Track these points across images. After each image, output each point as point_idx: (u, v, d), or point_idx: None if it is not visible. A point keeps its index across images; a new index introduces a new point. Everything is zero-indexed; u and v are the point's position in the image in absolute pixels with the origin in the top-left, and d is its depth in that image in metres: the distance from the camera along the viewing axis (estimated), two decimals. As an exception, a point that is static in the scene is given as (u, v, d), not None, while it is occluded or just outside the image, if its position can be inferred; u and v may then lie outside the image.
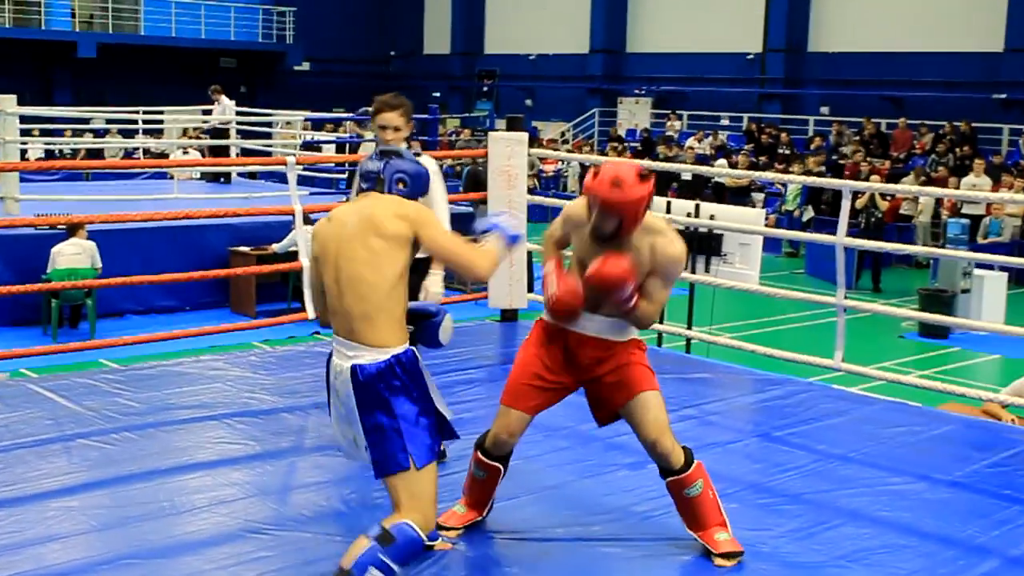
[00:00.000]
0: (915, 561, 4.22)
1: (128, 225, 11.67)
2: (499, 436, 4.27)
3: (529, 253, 8.41)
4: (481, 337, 7.86)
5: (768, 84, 27.33)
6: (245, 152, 18.52)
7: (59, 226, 11.43)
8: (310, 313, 6.42)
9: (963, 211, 17.92)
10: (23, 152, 17.19)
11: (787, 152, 22.58)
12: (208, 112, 19.52)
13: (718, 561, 4.13)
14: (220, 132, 18.88)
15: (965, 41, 23.44)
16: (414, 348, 3.70)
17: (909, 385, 7.01)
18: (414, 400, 3.64)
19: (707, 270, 8.66)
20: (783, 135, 23.62)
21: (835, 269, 6.91)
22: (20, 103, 14.31)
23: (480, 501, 4.42)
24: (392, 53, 37.03)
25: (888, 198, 17.36)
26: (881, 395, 7.26)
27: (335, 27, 34.72)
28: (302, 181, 12.77)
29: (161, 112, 21.45)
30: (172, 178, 17.66)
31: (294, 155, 11.67)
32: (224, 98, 18.69)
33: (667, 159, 21.63)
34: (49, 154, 21.18)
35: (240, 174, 18.70)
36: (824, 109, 26.06)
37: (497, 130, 9.30)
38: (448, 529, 4.33)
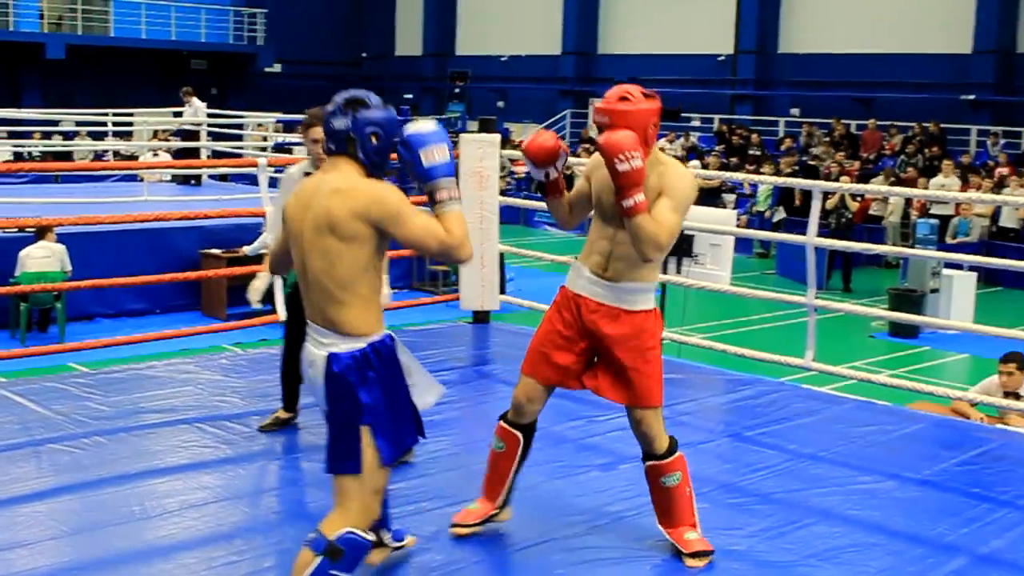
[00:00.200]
0: (885, 559, 4.25)
1: (98, 228, 11.60)
2: (517, 399, 4.27)
3: (501, 255, 8.40)
4: (453, 339, 7.86)
5: (739, 85, 27.44)
6: (216, 154, 18.45)
7: (28, 229, 11.35)
8: (281, 315, 6.39)
9: (932, 211, 18.05)
10: (-9, 154, 17.08)
11: (758, 153, 22.70)
12: (179, 114, 19.44)
13: (689, 562, 4.13)
14: (191, 134, 18.80)
15: (934, 43, 23.62)
16: (392, 334, 3.49)
17: (879, 384, 7.05)
18: (385, 394, 3.43)
19: (679, 271, 8.69)
20: (754, 136, 23.74)
21: (805, 269, 6.94)
22: (-12, 105, 14.21)
23: (495, 486, 4.34)
24: (364, 55, 36.99)
25: (858, 199, 17.47)
26: (851, 394, 7.30)
27: (306, 29, 34.65)
28: (273, 183, 12.70)
29: (131, 114, 21.35)
30: (142, 180, 17.56)
31: (265, 157, 11.63)
32: (195, 100, 18.61)
33: (639, 160, 21.61)
34: (17, 156, 21.01)
35: (211, 176, 18.63)
36: (794, 110, 26.19)
37: (469, 132, 9.29)
38: (463, 527, 4.32)
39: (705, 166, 21.87)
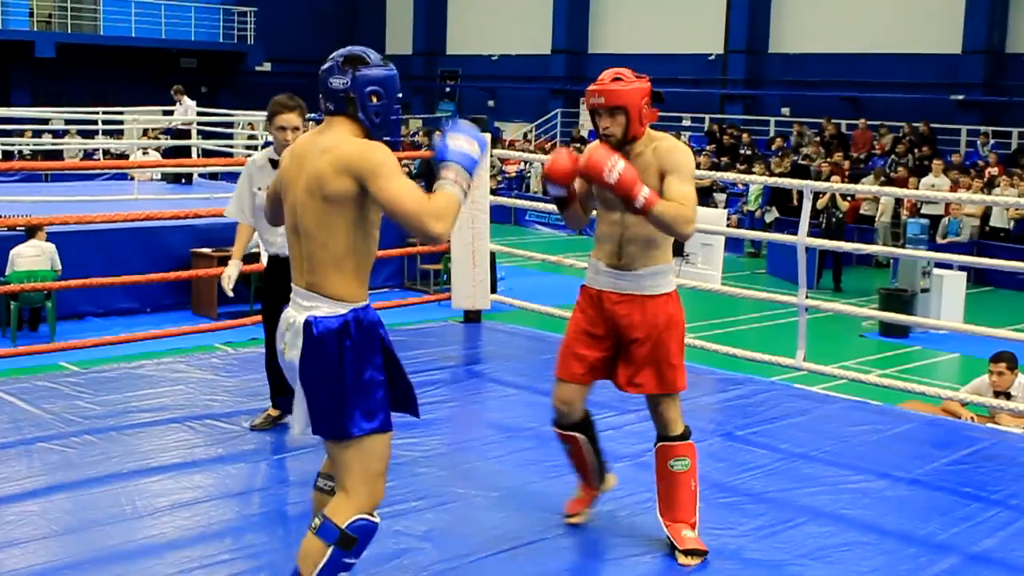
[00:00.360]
0: (876, 559, 4.26)
1: (88, 227, 11.58)
2: (557, 408, 4.32)
3: (492, 254, 8.40)
4: (444, 338, 7.86)
5: (729, 85, 27.46)
6: (206, 153, 18.42)
7: (18, 228, 11.32)
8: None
9: (922, 211, 18.09)
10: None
11: (748, 153, 22.73)
12: (170, 113, 19.40)
13: (681, 559, 4.13)
14: (181, 133, 18.77)
15: (924, 43, 23.66)
16: (376, 313, 3.37)
17: (870, 384, 7.06)
18: (368, 363, 3.29)
19: (670, 270, 8.69)
20: (744, 136, 23.77)
21: (796, 269, 6.95)
22: (-23, 104, 14.17)
23: (587, 476, 4.45)
24: (354, 53, 36.93)
25: (849, 198, 17.50)
26: (842, 394, 7.32)
27: (296, 27, 34.57)
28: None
29: (121, 112, 21.30)
30: (132, 179, 17.54)
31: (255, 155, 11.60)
32: (186, 99, 18.58)
33: (629, 160, 21.64)
34: (7, 155, 20.96)
35: (201, 175, 18.61)
36: (785, 110, 26.22)
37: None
38: (575, 516, 4.44)
39: (696, 165, 21.88)
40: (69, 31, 30.24)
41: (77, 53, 29.45)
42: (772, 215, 19.62)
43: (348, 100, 3.29)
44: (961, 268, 13.76)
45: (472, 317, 8.22)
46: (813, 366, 6.99)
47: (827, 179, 17.17)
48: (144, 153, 19.02)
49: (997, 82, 22.98)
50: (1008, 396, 7.06)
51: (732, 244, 17.95)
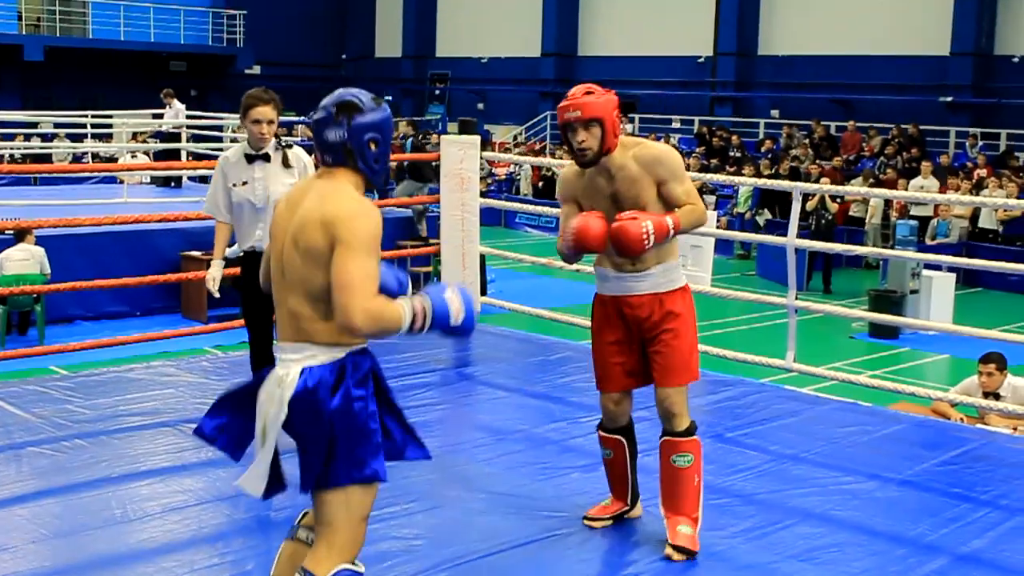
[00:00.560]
0: (866, 559, 4.26)
1: (77, 230, 11.54)
2: (607, 407, 4.38)
3: (482, 256, 8.40)
4: (434, 341, 7.82)
5: (719, 87, 27.49)
6: (195, 156, 18.39)
7: (6, 231, 11.30)
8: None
9: (912, 213, 18.12)
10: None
11: (738, 155, 22.75)
12: (159, 116, 19.36)
13: (668, 551, 4.16)
14: (171, 136, 18.73)
15: (912, 45, 23.71)
16: (374, 358, 3.21)
17: (860, 385, 7.07)
18: (363, 410, 3.12)
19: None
20: (734, 138, 23.81)
21: (786, 271, 6.96)
22: (-34, 107, 14.14)
23: (620, 487, 4.48)
24: (343, 56, 36.92)
25: (838, 200, 17.53)
26: (832, 395, 7.33)
27: (286, 30, 34.55)
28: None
29: (110, 116, 21.24)
30: (122, 182, 17.49)
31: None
32: (176, 102, 18.54)
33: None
34: (-4, 158, 20.94)
35: (191, 178, 18.57)
36: (774, 112, 26.26)
37: (449, 133, 9.29)
38: (598, 520, 4.46)
39: (686, 168, 21.90)
40: (58, 34, 30.18)
41: (66, 56, 29.37)
42: (764, 217, 19.64)
43: (347, 152, 3.13)
44: (950, 269, 13.79)
45: (462, 320, 8.18)
46: (803, 367, 7.00)
47: (816, 181, 17.19)
48: (133, 157, 18.97)
49: (985, 84, 23.05)
50: (997, 397, 7.07)
51: (722, 246, 17.95)
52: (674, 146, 24.59)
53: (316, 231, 3.03)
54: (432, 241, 12.53)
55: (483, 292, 8.45)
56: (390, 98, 31.30)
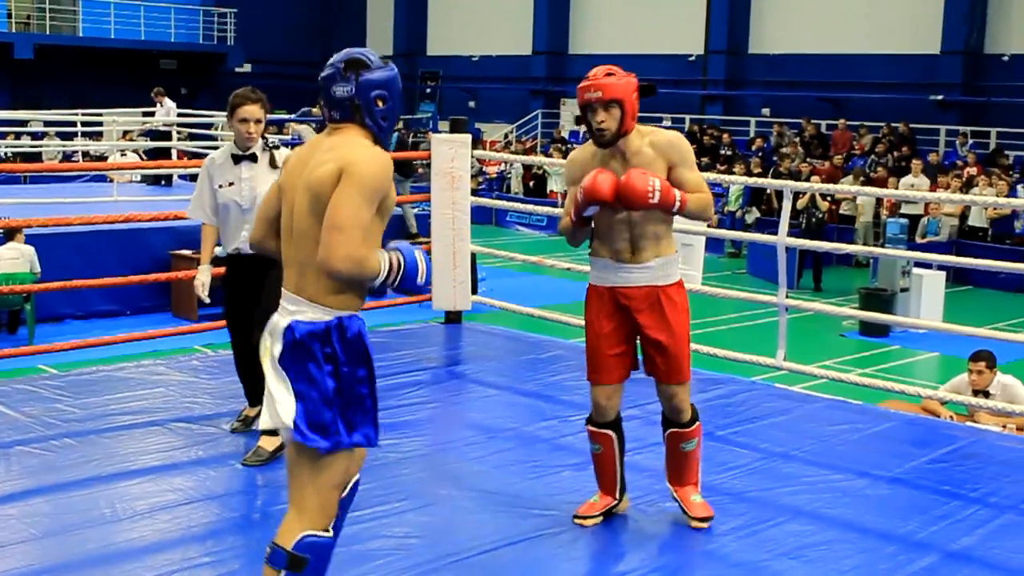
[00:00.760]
0: (856, 557, 4.27)
1: (67, 229, 11.51)
2: (597, 401, 4.39)
3: (473, 255, 8.40)
4: (425, 339, 7.85)
5: (710, 86, 27.52)
6: (186, 154, 18.35)
7: (-4, 230, 11.28)
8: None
9: (902, 211, 18.16)
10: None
11: (729, 153, 22.77)
12: (150, 114, 19.32)
13: (695, 524, 4.41)
14: (163, 134, 18.69)
15: (903, 43, 23.76)
16: (363, 322, 3.22)
17: (850, 383, 7.08)
18: (341, 375, 3.13)
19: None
20: (725, 136, 23.83)
21: (776, 269, 6.96)
22: (-45, 106, 14.10)
23: (608, 481, 4.51)
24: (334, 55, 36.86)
25: (828, 199, 17.56)
26: (823, 393, 7.33)
27: (277, 29, 34.50)
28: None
29: (100, 114, 21.19)
30: (112, 181, 17.46)
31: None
32: (167, 100, 18.51)
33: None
34: (-15, 157, 20.88)
35: (181, 176, 18.53)
36: (765, 110, 26.29)
37: (440, 132, 9.28)
38: (586, 518, 4.47)
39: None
40: (48, 32, 30.12)
41: (56, 54, 29.31)
42: (753, 215, 19.67)
43: (354, 108, 3.19)
44: (940, 267, 13.83)
45: (453, 318, 8.21)
46: (793, 365, 7.00)
47: (807, 179, 17.22)
48: (123, 155, 18.92)
49: (976, 82, 23.10)
50: (987, 395, 7.09)
51: (712, 244, 17.98)
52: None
53: (330, 179, 3.08)
54: (423, 239, 12.53)
55: (474, 291, 8.45)
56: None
